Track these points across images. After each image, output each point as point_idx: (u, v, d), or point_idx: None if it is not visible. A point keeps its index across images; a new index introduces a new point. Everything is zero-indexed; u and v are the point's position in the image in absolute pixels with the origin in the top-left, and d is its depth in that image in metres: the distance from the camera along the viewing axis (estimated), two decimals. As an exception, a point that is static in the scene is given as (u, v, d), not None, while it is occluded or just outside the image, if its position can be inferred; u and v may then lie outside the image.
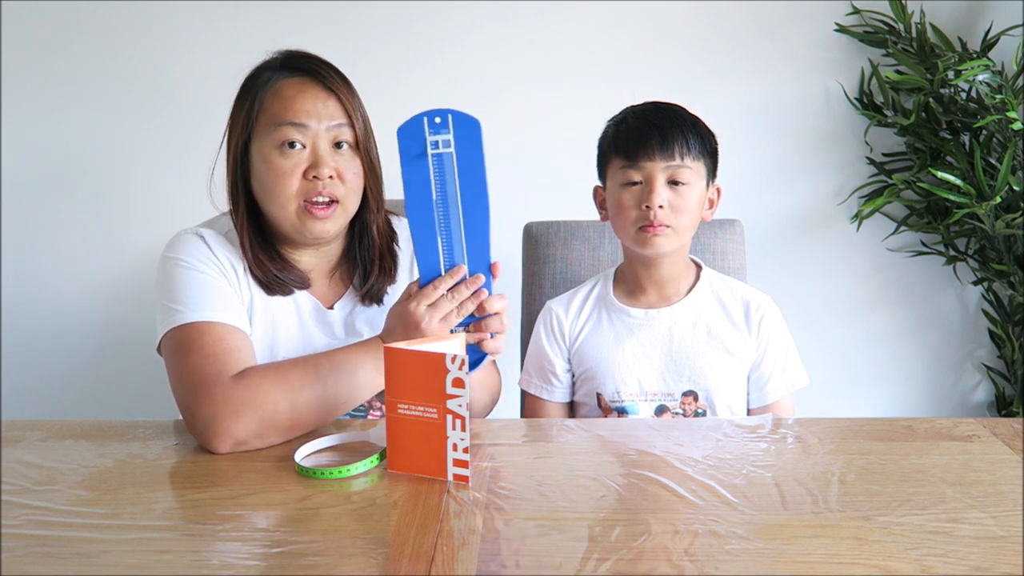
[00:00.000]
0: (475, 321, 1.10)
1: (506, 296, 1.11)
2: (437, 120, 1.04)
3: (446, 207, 1.06)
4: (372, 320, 1.27)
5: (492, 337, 1.11)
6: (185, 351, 1.09)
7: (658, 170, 1.26)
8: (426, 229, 1.07)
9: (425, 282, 1.09)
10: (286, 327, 1.22)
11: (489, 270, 1.09)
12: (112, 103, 2.06)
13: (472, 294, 1.08)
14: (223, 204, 1.24)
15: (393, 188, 1.48)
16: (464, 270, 1.08)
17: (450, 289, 1.07)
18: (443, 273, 1.08)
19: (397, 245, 1.30)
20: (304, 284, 1.23)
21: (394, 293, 1.27)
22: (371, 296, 1.26)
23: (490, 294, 1.09)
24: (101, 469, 0.98)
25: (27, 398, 2.15)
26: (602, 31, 2.03)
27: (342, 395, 1.09)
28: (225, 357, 1.08)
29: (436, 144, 1.05)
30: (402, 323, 1.09)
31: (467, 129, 1.05)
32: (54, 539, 0.82)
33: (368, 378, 1.10)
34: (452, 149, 1.05)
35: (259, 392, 1.04)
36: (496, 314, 1.10)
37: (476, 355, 1.12)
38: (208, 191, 1.24)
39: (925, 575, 0.74)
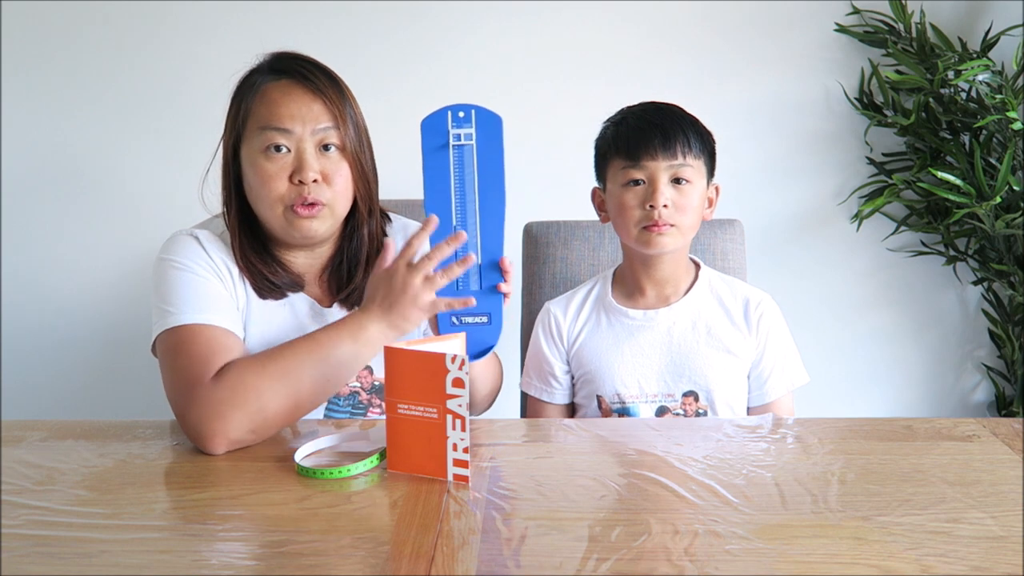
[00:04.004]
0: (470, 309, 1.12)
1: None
2: (461, 114, 1.08)
3: (463, 198, 1.09)
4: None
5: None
6: (174, 354, 1.10)
7: (661, 169, 1.26)
8: (442, 218, 1.09)
9: (438, 269, 1.10)
10: (283, 328, 1.21)
11: (499, 264, 1.11)
12: (113, 103, 2.06)
13: (460, 261, 1.09)
14: (215, 206, 1.24)
15: (400, 189, 1.50)
16: (464, 236, 1.09)
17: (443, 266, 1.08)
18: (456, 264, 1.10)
19: None
20: (297, 286, 1.23)
21: None
22: (352, 300, 1.25)
23: (498, 282, 1.12)
24: (101, 469, 0.98)
25: (27, 398, 2.15)
26: (602, 31, 2.03)
27: (326, 375, 1.08)
28: (212, 359, 1.08)
29: (458, 137, 1.07)
30: (387, 286, 1.09)
31: (489, 124, 1.08)
32: (54, 539, 0.82)
33: (348, 353, 1.09)
34: (474, 142, 1.08)
35: (240, 388, 1.04)
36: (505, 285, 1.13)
37: (479, 347, 1.13)
38: (200, 193, 1.25)
39: (925, 575, 0.74)
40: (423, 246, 1.09)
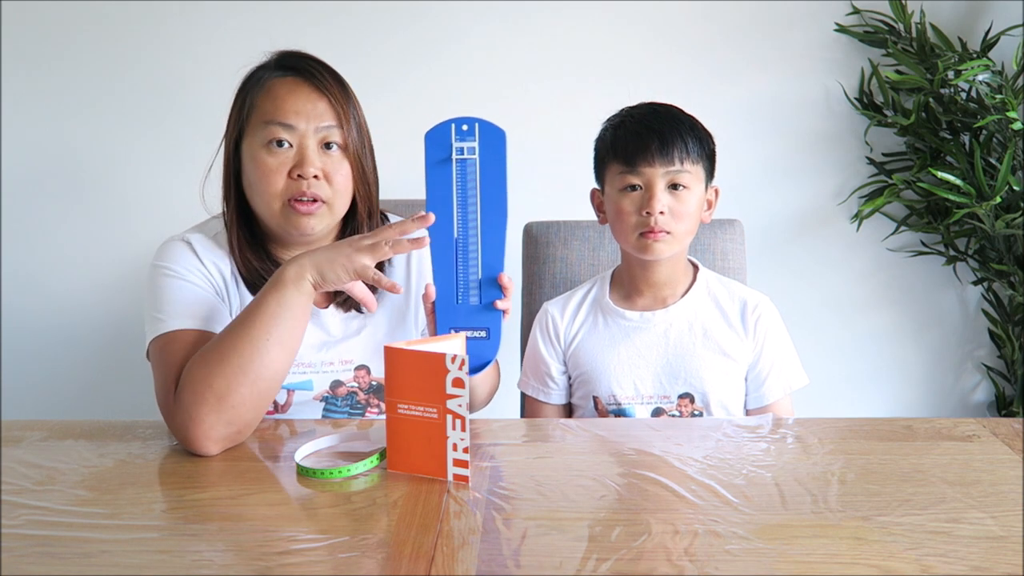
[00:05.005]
0: (473, 327, 1.11)
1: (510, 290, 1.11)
2: (464, 127, 1.07)
3: (465, 212, 1.08)
4: (371, 316, 1.26)
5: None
6: (158, 362, 1.10)
7: (658, 175, 1.26)
8: (444, 231, 1.08)
9: (438, 283, 1.09)
10: None
11: (497, 280, 1.09)
12: (113, 103, 2.06)
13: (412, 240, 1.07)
14: (215, 206, 1.24)
15: (401, 189, 1.50)
16: (431, 218, 1.06)
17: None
18: (456, 276, 1.09)
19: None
20: None
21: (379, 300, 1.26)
22: (349, 303, 1.24)
23: (497, 298, 1.10)
24: (101, 469, 0.98)
25: (27, 398, 2.15)
26: (601, 31, 2.03)
27: (262, 334, 1.03)
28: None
29: (461, 150, 1.07)
30: (336, 242, 1.07)
31: (493, 138, 1.07)
32: (54, 539, 0.82)
33: (272, 301, 1.04)
34: (476, 156, 1.07)
35: (192, 387, 1.03)
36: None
37: (477, 362, 1.12)
38: (201, 192, 1.25)
39: (925, 575, 0.74)
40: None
